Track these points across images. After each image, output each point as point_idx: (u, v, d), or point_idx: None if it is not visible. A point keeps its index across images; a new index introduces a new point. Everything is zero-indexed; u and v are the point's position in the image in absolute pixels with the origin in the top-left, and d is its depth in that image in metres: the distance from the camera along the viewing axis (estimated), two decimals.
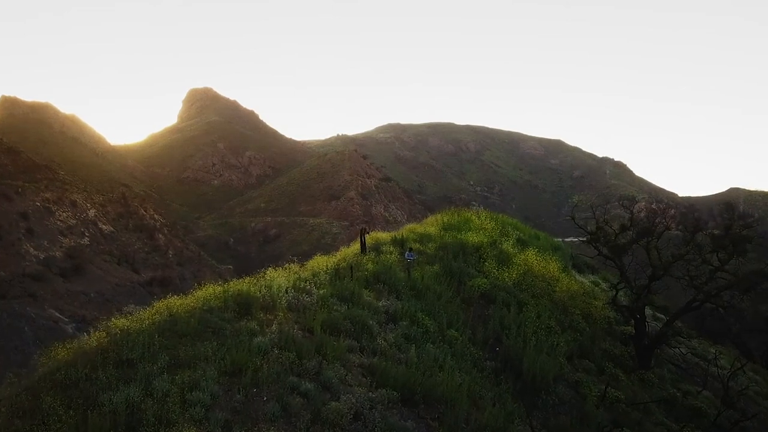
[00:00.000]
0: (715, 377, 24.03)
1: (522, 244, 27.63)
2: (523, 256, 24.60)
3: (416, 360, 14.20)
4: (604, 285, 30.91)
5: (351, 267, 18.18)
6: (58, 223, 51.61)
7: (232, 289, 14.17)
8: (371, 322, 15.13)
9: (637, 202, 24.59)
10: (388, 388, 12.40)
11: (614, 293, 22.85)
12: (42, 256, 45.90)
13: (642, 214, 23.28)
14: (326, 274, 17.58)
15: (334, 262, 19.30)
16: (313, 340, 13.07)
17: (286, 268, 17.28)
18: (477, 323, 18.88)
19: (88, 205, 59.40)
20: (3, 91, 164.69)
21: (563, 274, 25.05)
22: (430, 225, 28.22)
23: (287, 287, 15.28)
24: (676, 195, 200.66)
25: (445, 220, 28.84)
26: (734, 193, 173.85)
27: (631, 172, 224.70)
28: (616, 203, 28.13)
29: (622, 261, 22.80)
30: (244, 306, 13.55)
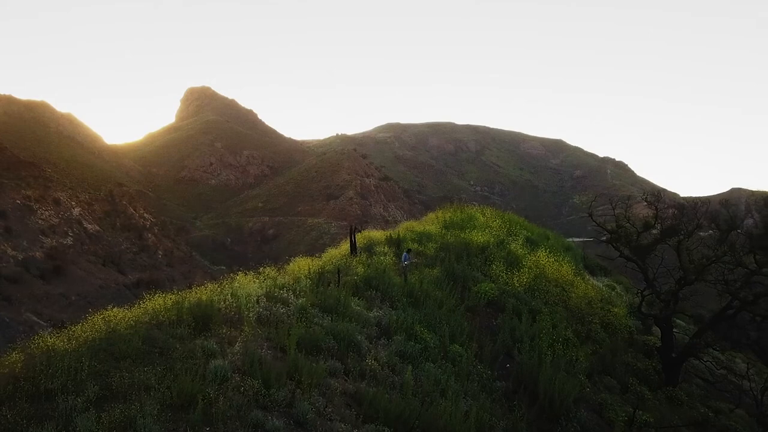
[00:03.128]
0: (745, 392, 21.73)
1: (531, 244, 25.09)
2: (533, 258, 22.09)
3: (413, 384, 11.80)
4: (618, 289, 28.45)
5: (338, 271, 15.67)
6: (40, 222, 49.07)
7: (188, 299, 11.67)
8: (359, 337, 12.69)
9: (659, 200, 21.90)
10: (378, 422, 10.01)
11: (640, 300, 20.34)
12: (20, 257, 43.42)
13: (670, 211, 20.84)
14: (309, 279, 15.06)
15: (319, 265, 16.78)
16: (285, 361, 10.63)
17: (260, 273, 14.79)
18: (484, 335, 16.43)
19: (73, 203, 56.81)
20: None
21: (578, 278, 22.58)
22: (430, 223, 25.62)
23: (259, 296, 12.79)
24: (678, 195, 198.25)
25: (447, 217, 26.19)
26: (736, 193, 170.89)
27: (633, 172, 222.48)
28: (620, 203, 25.63)
29: (645, 263, 20.32)
30: (202, 320, 11.08)
